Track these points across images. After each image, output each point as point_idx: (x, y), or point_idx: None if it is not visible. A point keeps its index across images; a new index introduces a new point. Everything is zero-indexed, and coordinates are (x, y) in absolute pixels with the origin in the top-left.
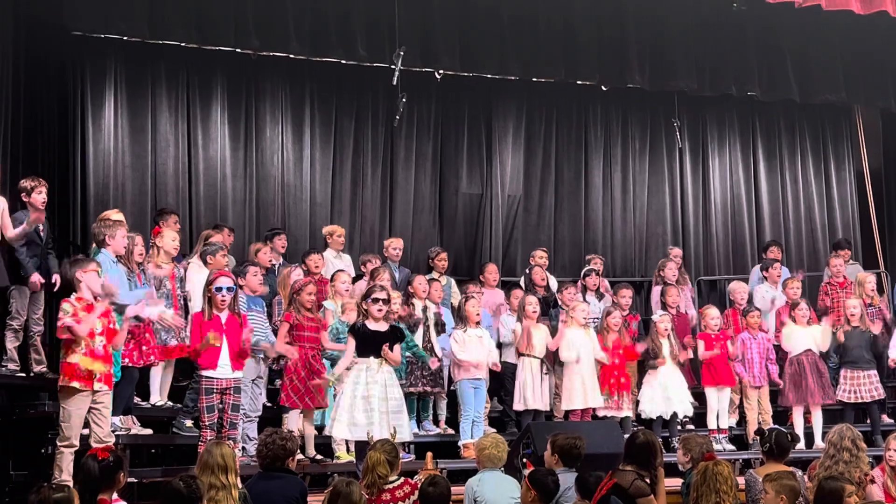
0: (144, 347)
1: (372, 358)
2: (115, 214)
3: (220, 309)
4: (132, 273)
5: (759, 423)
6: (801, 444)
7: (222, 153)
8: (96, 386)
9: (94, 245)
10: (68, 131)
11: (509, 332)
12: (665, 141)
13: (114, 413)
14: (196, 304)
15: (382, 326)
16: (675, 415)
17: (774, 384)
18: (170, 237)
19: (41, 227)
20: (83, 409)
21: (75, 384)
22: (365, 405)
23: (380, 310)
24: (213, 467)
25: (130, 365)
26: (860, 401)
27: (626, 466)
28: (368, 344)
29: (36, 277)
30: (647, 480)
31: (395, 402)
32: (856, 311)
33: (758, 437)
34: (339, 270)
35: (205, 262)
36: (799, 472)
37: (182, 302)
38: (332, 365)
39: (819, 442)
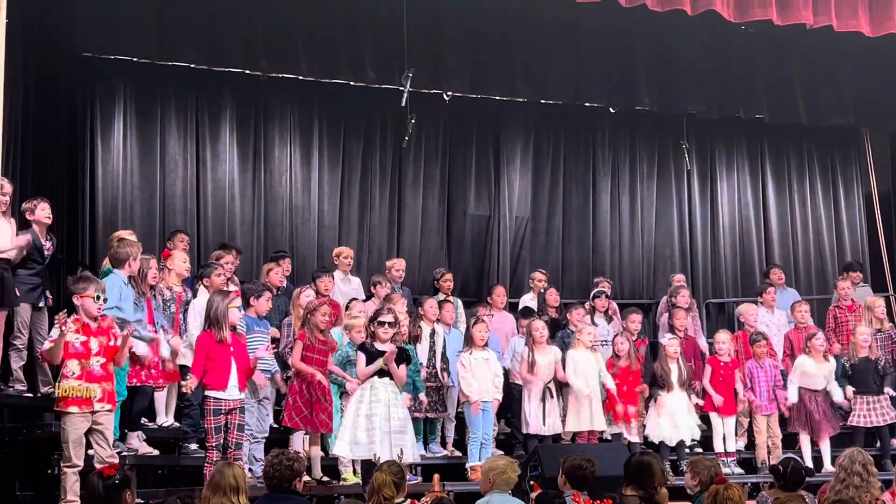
0: (153, 371)
1: (376, 378)
2: (130, 236)
3: (233, 328)
4: (143, 295)
5: (769, 446)
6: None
7: (231, 174)
8: (96, 406)
9: (106, 263)
10: (77, 152)
11: (518, 354)
12: (673, 163)
13: (127, 428)
14: (192, 325)
15: (389, 348)
16: (682, 441)
17: (782, 411)
18: (180, 259)
19: (45, 246)
20: (81, 429)
21: (71, 409)
22: (367, 424)
23: (385, 332)
24: (224, 488)
25: (139, 384)
26: (872, 425)
27: (627, 489)
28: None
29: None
30: None
31: (398, 422)
32: (865, 339)
33: (772, 473)
34: (353, 300)
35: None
36: (809, 496)
37: (185, 327)
38: (339, 388)
39: (829, 466)
